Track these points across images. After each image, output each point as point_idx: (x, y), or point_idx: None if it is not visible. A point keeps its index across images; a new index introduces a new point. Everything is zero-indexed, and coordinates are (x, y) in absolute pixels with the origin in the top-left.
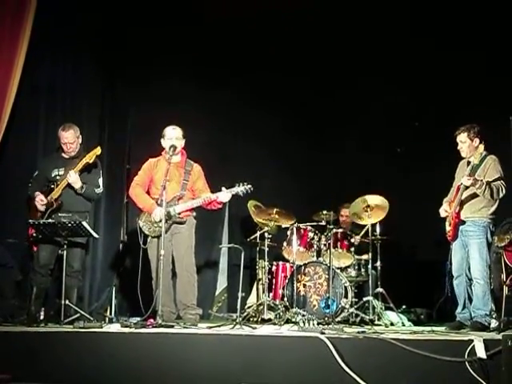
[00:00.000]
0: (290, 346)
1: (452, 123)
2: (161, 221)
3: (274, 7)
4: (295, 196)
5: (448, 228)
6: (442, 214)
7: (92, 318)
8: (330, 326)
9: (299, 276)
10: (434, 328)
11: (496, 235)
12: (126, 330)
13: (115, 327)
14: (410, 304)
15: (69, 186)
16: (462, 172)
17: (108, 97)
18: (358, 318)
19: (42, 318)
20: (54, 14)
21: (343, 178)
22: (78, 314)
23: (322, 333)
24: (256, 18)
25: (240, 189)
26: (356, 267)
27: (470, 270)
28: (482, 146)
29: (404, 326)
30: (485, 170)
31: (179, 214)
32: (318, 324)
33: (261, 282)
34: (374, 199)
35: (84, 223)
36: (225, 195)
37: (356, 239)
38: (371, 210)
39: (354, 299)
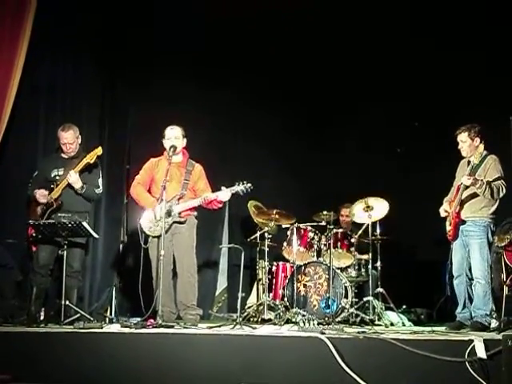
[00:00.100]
0: (290, 346)
1: (452, 123)
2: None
3: (274, 7)
4: (295, 196)
5: (448, 228)
6: (442, 213)
7: (92, 319)
8: (330, 326)
9: (299, 276)
10: (434, 328)
11: (496, 235)
12: (126, 330)
13: (115, 327)
14: (410, 304)
15: (69, 186)
16: (462, 171)
17: (108, 97)
18: (358, 318)
19: (42, 318)
20: (53, 14)
21: (343, 177)
22: (78, 315)
23: (322, 333)
24: (256, 18)
25: (240, 188)
26: (356, 267)
27: (470, 270)
28: (482, 146)
29: (404, 326)
30: (485, 169)
31: (179, 213)
32: (318, 324)
33: (261, 282)
34: (375, 200)
35: (84, 223)
36: (224, 194)
37: (354, 237)
38: (371, 209)
39: (354, 299)
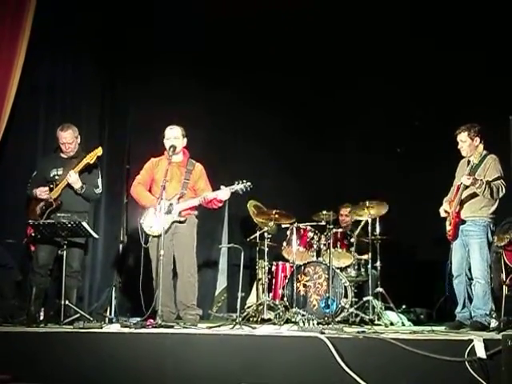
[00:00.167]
0: (289, 346)
1: (452, 123)
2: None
3: (274, 7)
4: (295, 196)
5: (448, 227)
6: (442, 213)
7: (92, 319)
8: (330, 325)
9: (299, 276)
10: (434, 328)
11: (496, 235)
12: (126, 330)
13: (115, 327)
14: (409, 304)
15: (68, 185)
16: (462, 171)
17: (108, 96)
18: (358, 318)
19: (41, 318)
20: (53, 13)
21: (343, 177)
22: (78, 315)
23: (322, 333)
24: (256, 18)
25: (239, 186)
26: (356, 267)
27: (470, 270)
28: (481, 146)
29: (404, 325)
30: (485, 169)
31: (180, 212)
32: (318, 324)
33: (260, 282)
34: (374, 201)
35: (84, 223)
36: (224, 193)
37: (354, 237)
38: (371, 208)
39: (353, 299)
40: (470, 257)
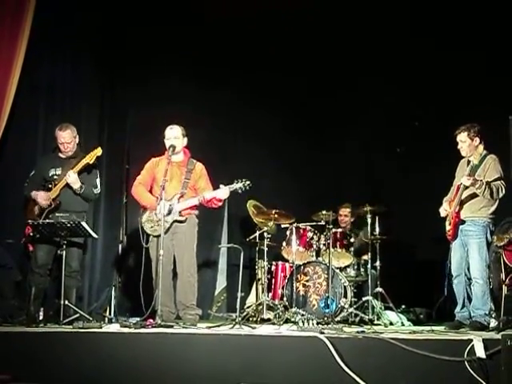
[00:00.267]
0: (289, 346)
1: (452, 123)
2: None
3: (274, 7)
4: (295, 196)
5: (448, 227)
6: (442, 213)
7: (91, 318)
8: (330, 325)
9: (298, 276)
10: (434, 328)
11: (495, 235)
12: (126, 330)
13: (114, 327)
14: (409, 304)
15: (67, 185)
16: (462, 171)
17: (107, 96)
18: (358, 318)
19: (41, 318)
20: (53, 13)
21: (343, 178)
22: (78, 315)
23: (322, 332)
24: (256, 18)
25: (238, 185)
26: (355, 267)
27: (469, 270)
28: (481, 146)
29: (403, 325)
30: (485, 169)
31: (180, 212)
32: (318, 324)
33: (260, 282)
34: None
35: (83, 223)
36: (223, 192)
37: (360, 236)
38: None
39: (353, 299)
40: (469, 257)
